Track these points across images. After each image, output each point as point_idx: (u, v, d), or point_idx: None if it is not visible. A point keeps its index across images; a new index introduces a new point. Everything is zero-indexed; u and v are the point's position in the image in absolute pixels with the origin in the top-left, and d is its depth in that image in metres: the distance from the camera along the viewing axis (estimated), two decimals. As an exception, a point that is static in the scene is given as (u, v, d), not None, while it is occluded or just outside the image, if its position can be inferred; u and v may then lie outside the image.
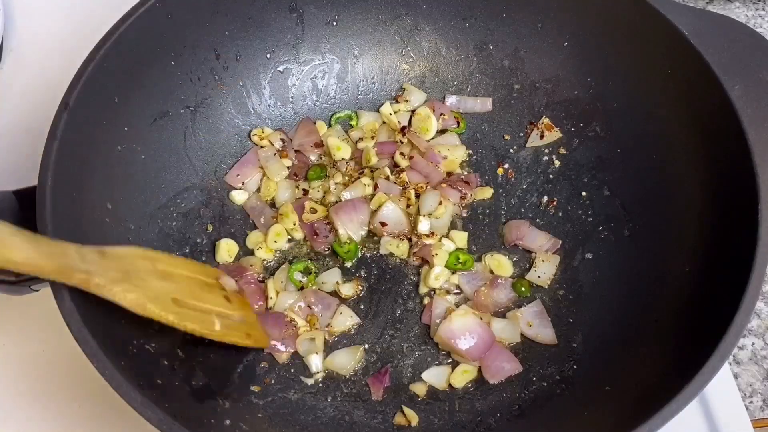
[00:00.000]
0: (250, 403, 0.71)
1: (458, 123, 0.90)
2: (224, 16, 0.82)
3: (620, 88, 0.82)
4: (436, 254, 0.79)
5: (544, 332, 0.76)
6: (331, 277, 0.81)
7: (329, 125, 0.90)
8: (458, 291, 0.80)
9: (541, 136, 0.88)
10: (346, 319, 0.78)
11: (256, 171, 0.86)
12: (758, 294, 0.59)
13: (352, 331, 0.78)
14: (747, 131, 0.66)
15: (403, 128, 0.89)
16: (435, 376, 0.75)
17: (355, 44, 0.91)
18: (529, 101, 0.89)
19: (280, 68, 0.89)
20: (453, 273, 0.80)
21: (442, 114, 0.89)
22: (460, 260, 0.80)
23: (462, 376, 0.74)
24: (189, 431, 0.55)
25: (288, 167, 0.87)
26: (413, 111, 0.90)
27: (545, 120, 0.88)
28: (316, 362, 0.75)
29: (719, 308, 0.61)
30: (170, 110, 0.80)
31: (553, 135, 0.87)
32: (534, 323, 0.77)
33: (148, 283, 0.64)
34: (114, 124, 0.72)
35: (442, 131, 0.90)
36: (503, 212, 0.86)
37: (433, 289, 0.80)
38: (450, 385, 0.74)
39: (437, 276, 0.79)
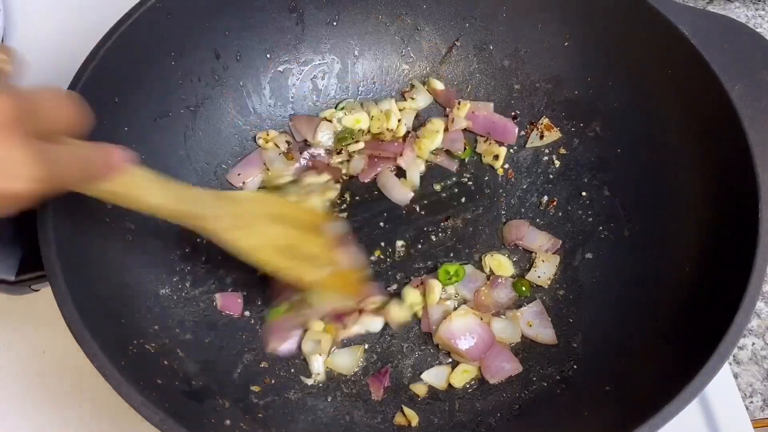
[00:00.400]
0: (250, 403, 0.71)
1: (464, 148, 0.89)
2: (224, 16, 0.82)
3: (620, 88, 0.82)
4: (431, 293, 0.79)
5: (544, 332, 0.76)
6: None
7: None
8: (456, 296, 0.80)
9: (541, 137, 0.88)
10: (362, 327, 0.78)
11: (258, 171, 0.86)
12: (758, 294, 0.59)
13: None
14: (747, 131, 0.66)
15: (407, 133, 0.88)
16: (435, 376, 0.75)
17: (355, 44, 0.91)
18: (529, 101, 0.89)
19: (280, 68, 0.89)
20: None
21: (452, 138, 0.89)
22: (451, 273, 0.80)
23: (462, 376, 0.74)
24: (189, 431, 0.55)
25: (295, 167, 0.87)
26: (421, 119, 0.90)
27: (545, 120, 0.88)
28: (318, 363, 0.75)
29: (719, 308, 0.61)
30: (170, 110, 0.80)
31: (553, 135, 0.87)
32: (534, 323, 0.77)
33: (261, 228, 0.67)
34: (114, 124, 0.72)
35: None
36: (503, 212, 0.86)
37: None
38: (450, 385, 0.74)
39: (431, 292, 0.79)
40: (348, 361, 0.76)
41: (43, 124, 0.46)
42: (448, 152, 0.89)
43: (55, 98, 0.48)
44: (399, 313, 0.78)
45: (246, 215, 0.66)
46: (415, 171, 0.87)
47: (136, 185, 0.56)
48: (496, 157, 0.88)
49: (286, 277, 0.69)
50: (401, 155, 0.87)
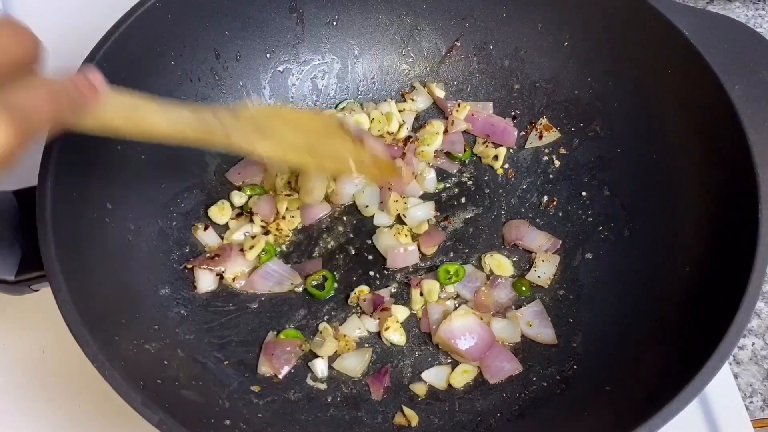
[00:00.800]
0: (250, 403, 0.71)
1: (465, 150, 0.89)
2: (224, 16, 0.82)
3: (620, 88, 0.82)
4: (428, 290, 0.79)
5: (544, 332, 0.76)
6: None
7: None
8: (456, 296, 0.80)
9: (540, 137, 0.88)
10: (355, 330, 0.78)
11: (259, 171, 0.86)
12: (758, 294, 0.59)
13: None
14: (747, 131, 0.66)
15: (407, 138, 0.88)
16: (435, 376, 0.75)
17: (355, 44, 0.91)
18: (529, 101, 0.89)
19: (280, 68, 0.89)
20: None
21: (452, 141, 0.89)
22: (451, 273, 0.80)
23: (462, 376, 0.74)
24: (189, 431, 0.55)
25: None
26: (421, 121, 0.90)
27: (544, 120, 0.88)
28: (321, 367, 0.75)
29: (719, 308, 0.61)
30: (170, 110, 0.80)
31: (552, 135, 0.87)
32: (534, 323, 0.77)
33: (283, 136, 0.66)
34: (114, 124, 0.72)
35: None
36: (503, 212, 0.86)
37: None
38: (450, 385, 0.74)
39: (431, 292, 0.79)
40: (356, 364, 0.75)
41: None
42: (448, 154, 0.89)
43: None
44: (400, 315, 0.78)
45: (263, 127, 0.65)
46: (429, 177, 0.87)
47: (141, 114, 0.54)
48: (496, 157, 0.88)
49: (328, 171, 0.71)
50: (402, 158, 0.87)
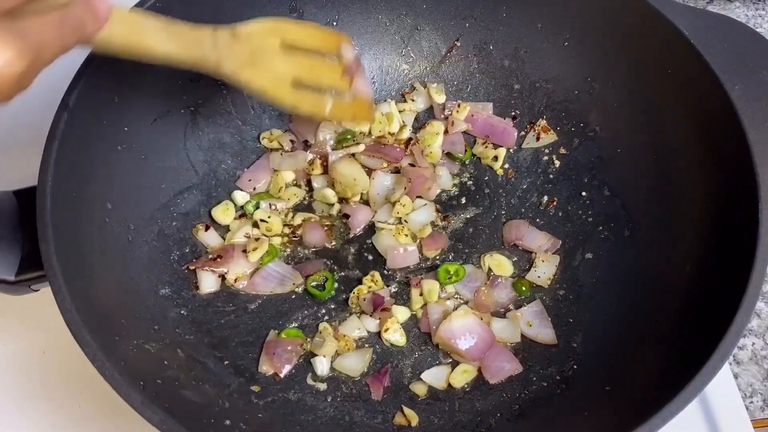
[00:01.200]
0: (250, 403, 0.71)
1: (465, 150, 0.89)
2: (224, 16, 0.81)
3: (620, 89, 0.82)
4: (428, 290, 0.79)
5: (544, 332, 0.76)
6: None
7: None
8: (456, 296, 0.80)
9: (537, 138, 0.88)
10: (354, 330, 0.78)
11: (267, 175, 0.86)
12: (758, 294, 0.59)
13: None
14: (747, 131, 0.66)
15: (408, 140, 0.88)
16: (435, 376, 0.75)
17: (355, 44, 0.91)
18: (529, 101, 0.89)
19: (280, 68, 0.89)
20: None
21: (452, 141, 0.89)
22: (451, 273, 0.80)
23: (462, 376, 0.74)
24: (189, 431, 0.55)
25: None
26: (421, 121, 0.90)
27: (542, 122, 0.88)
28: (322, 365, 0.75)
29: (719, 308, 0.61)
30: (171, 110, 0.80)
31: (550, 137, 0.87)
32: (534, 323, 0.77)
33: (272, 64, 0.67)
34: (114, 124, 0.72)
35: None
36: (503, 212, 0.86)
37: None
38: (450, 385, 0.74)
39: (431, 292, 0.79)
40: (356, 364, 0.75)
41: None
42: (448, 155, 0.89)
43: None
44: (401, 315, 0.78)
45: (257, 50, 0.66)
46: (444, 175, 0.87)
47: (139, 35, 0.55)
48: (496, 158, 0.88)
49: (303, 111, 0.71)
50: (401, 160, 0.86)
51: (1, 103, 0.43)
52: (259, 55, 0.66)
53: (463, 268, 0.80)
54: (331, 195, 0.84)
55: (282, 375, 0.74)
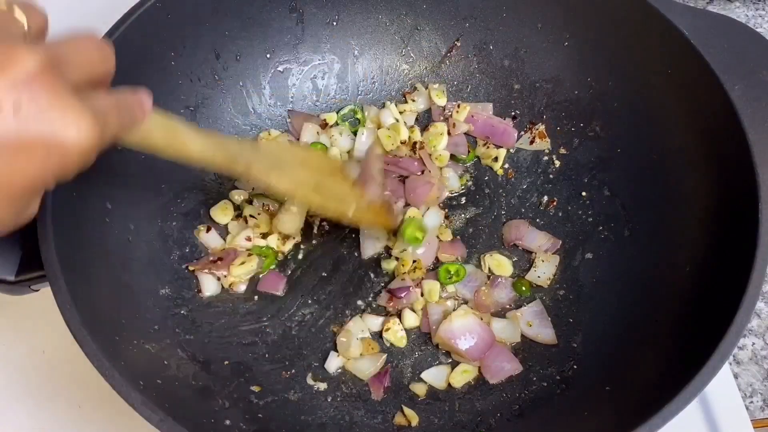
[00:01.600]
0: (250, 403, 0.71)
1: (468, 152, 0.88)
2: (224, 16, 0.82)
3: (620, 88, 0.82)
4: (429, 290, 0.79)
5: (544, 332, 0.76)
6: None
7: (336, 123, 0.90)
8: (456, 295, 0.80)
9: (531, 142, 0.88)
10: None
11: None
12: (758, 294, 0.59)
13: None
14: (747, 131, 0.66)
15: (414, 144, 0.87)
16: (435, 376, 0.75)
17: (355, 44, 0.91)
18: (529, 101, 0.89)
19: (280, 68, 0.89)
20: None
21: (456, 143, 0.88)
22: (451, 272, 0.80)
23: (462, 376, 0.74)
24: (189, 431, 0.55)
25: None
26: (421, 122, 0.90)
27: (541, 127, 0.87)
28: (334, 362, 0.75)
29: (719, 308, 0.61)
30: (170, 110, 0.79)
31: (543, 144, 0.87)
32: (534, 323, 0.77)
33: (293, 170, 0.72)
34: (114, 124, 0.72)
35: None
36: (503, 212, 0.86)
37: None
38: (450, 385, 0.74)
39: (431, 292, 0.79)
40: (367, 367, 0.75)
41: (78, 74, 0.44)
42: (452, 157, 0.88)
43: (83, 45, 0.46)
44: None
45: (278, 159, 0.71)
46: (451, 176, 0.87)
47: (174, 133, 0.58)
48: (496, 158, 0.88)
49: (325, 212, 0.76)
50: (422, 173, 0.86)
51: (63, 179, 0.43)
52: (281, 163, 0.71)
53: (463, 268, 0.80)
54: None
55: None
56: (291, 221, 0.81)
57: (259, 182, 0.70)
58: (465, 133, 0.90)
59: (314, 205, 0.75)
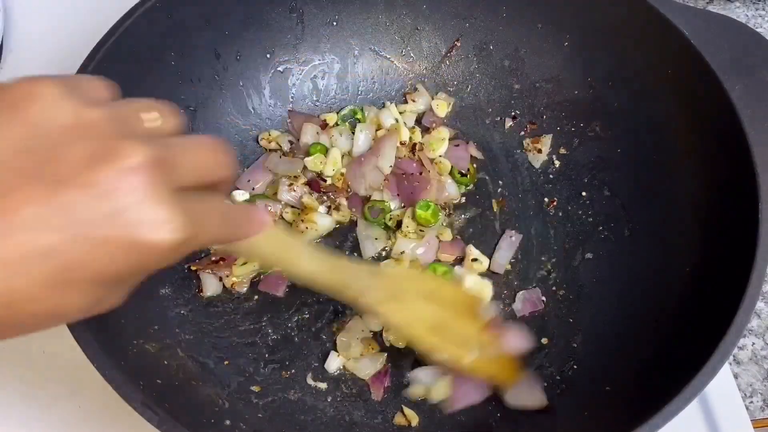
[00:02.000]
0: (250, 403, 0.71)
1: (468, 172, 0.86)
2: (224, 16, 0.82)
3: (620, 89, 0.82)
4: None
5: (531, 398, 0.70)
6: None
7: (336, 123, 0.90)
8: None
9: (524, 146, 0.88)
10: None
11: (267, 176, 0.86)
12: (758, 294, 0.59)
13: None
14: (747, 131, 0.66)
15: (414, 145, 0.87)
16: (427, 375, 0.73)
17: (355, 44, 0.91)
18: (529, 101, 0.89)
19: (280, 68, 0.89)
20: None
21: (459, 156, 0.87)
22: (438, 273, 0.78)
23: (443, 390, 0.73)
24: (189, 431, 0.55)
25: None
26: (424, 124, 0.90)
27: (545, 138, 0.87)
28: (335, 362, 0.75)
29: (719, 308, 0.61)
30: (170, 110, 0.80)
31: (539, 157, 0.87)
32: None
33: (413, 305, 0.66)
34: (114, 124, 0.72)
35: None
36: (504, 212, 0.86)
37: None
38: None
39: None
40: (368, 367, 0.75)
41: (187, 177, 0.43)
42: (452, 170, 0.87)
43: (201, 148, 0.46)
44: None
45: (399, 290, 0.65)
46: (449, 183, 0.86)
47: (289, 250, 0.56)
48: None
49: (437, 355, 0.66)
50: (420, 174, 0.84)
51: (147, 273, 0.45)
52: (400, 295, 0.65)
53: (451, 270, 0.79)
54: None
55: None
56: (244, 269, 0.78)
57: (367, 312, 0.64)
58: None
59: (430, 346, 0.65)
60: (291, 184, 0.83)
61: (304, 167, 0.85)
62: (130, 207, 0.39)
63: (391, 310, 0.63)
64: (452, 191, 0.86)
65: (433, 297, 0.68)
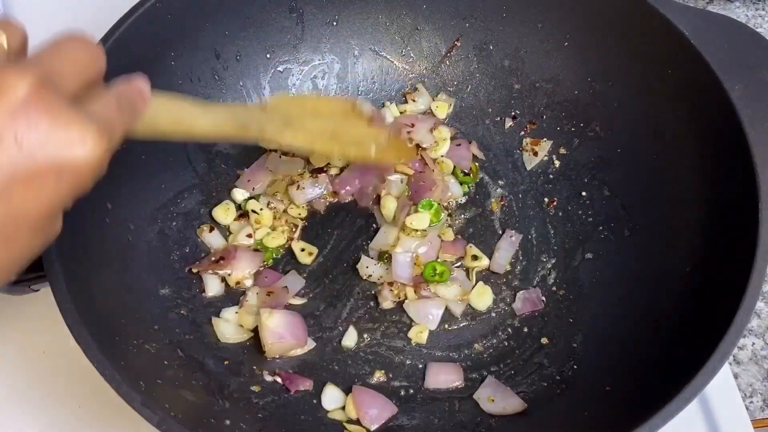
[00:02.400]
0: (250, 403, 0.71)
1: (470, 171, 0.87)
2: (224, 16, 0.82)
3: (620, 88, 0.82)
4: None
5: (509, 402, 0.71)
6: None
7: None
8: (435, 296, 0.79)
9: (533, 152, 0.87)
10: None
11: (267, 176, 0.86)
12: (758, 294, 0.59)
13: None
14: (747, 131, 0.66)
15: (417, 145, 0.87)
16: None
17: (355, 44, 0.91)
18: (529, 101, 0.89)
19: (280, 68, 0.89)
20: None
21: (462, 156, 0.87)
22: (437, 272, 0.78)
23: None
24: (189, 431, 0.55)
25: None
26: (429, 128, 0.89)
27: (544, 143, 0.87)
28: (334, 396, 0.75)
29: (719, 308, 0.61)
30: (170, 110, 0.80)
31: (536, 158, 0.87)
32: (496, 398, 0.72)
33: (306, 124, 0.70)
34: (114, 124, 0.72)
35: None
36: (504, 212, 0.86)
37: None
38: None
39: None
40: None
41: (72, 83, 0.42)
42: (454, 170, 0.87)
43: (71, 49, 0.44)
44: None
45: (288, 116, 0.69)
46: (452, 183, 0.86)
47: (182, 113, 0.57)
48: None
49: (352, 158, 0.77)
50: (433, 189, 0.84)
51: (80, 194, 0.43)
52: (291, 119, 0.69)
53: (449, 271, 0.79)
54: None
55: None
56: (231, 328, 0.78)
57: (274, 144, 0.68)
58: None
59: (336, 155, 0.75)
60: (296, 183, 0.84)
61: (307, 164, 0.86)
62: (42, 140, 0.37)
63: (291, 135, 0.67)
64: (456, 191, 0.86)
65: (318, 113, 0.73)
